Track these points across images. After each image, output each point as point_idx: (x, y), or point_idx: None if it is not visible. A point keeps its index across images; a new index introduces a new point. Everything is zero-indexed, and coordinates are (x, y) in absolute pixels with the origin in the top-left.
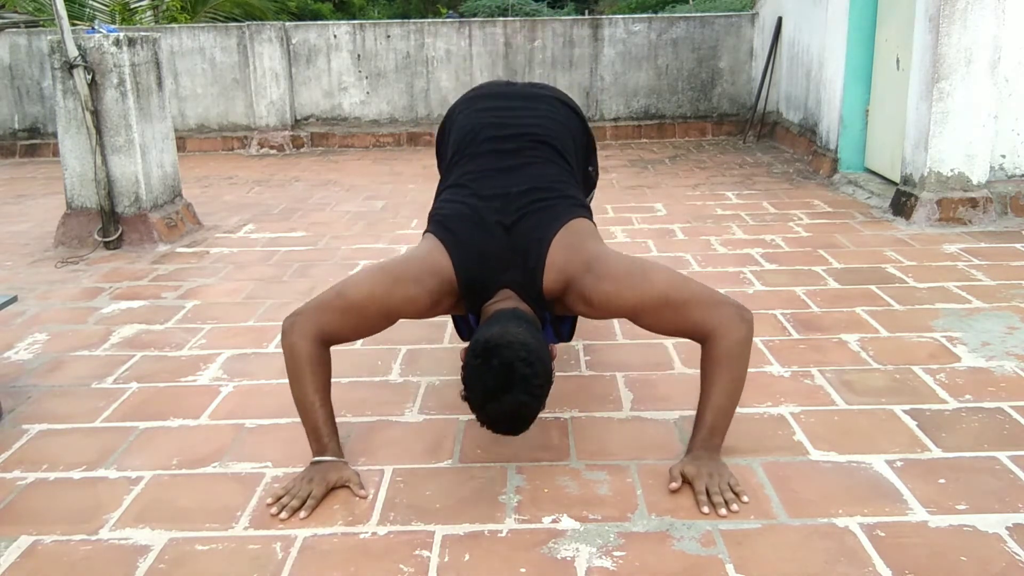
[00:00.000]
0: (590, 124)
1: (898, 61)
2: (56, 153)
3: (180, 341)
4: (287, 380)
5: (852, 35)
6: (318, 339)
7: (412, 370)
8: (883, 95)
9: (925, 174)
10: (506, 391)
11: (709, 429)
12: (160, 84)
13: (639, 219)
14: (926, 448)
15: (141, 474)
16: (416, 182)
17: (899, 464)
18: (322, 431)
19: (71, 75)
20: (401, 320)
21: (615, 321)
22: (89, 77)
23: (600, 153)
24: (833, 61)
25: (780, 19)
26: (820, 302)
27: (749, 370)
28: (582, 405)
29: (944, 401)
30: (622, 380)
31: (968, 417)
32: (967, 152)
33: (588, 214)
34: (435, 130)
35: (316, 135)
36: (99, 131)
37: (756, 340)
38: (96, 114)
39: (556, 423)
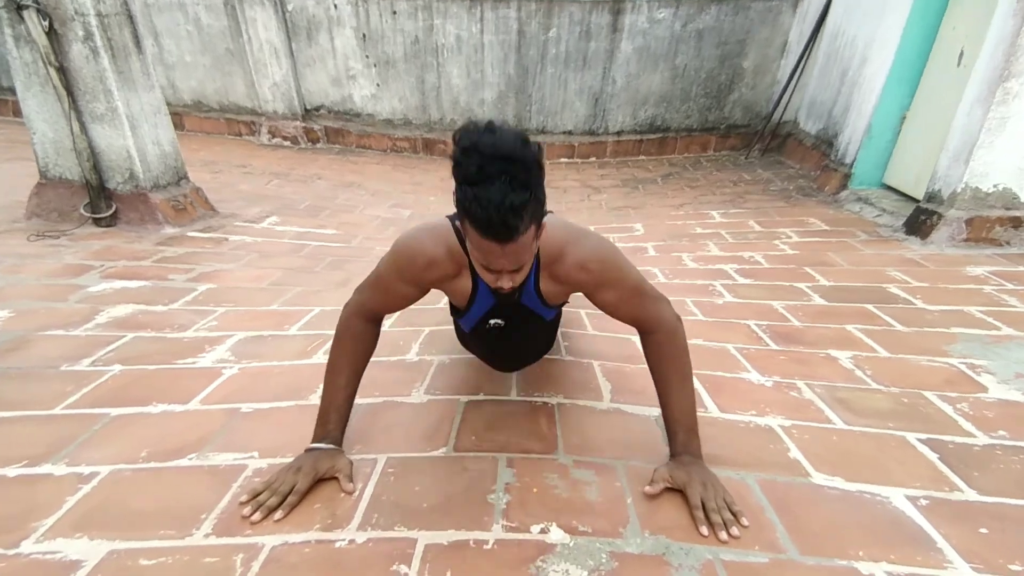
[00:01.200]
0: (594, 137)
1: (961, 54)
2: (16, 112)
3: (185, 322)
4: (301, 361)
5: (912, 21)
6: (360, 314)
7: (428, 349)
8: (928, 98)
9: (959, 189)
10: (505, 132)
11: (685, 431)
12: (139, 44)
13: (616, 239)
14: (956, 487)
15: (97, 469)
16: (436, 194)
17: (924, 503)
18: (331, 414)
19: (20, 18)
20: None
21: (583, 314)
22: (46, 24)
23: (596, 172)
24: (879, 55)
25: (828, 2)
26: (802, 316)
27: (725, 374)
28: (567, 391)
29: (970, 434)
30: (599, 369)
31: (1006, 456)
32: (1021, 166)
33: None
34: (448, 136)
35: (331, 130)
36: (71, 94)
37: (728, 346)
38: (64, 72)
39: (544, 408)
